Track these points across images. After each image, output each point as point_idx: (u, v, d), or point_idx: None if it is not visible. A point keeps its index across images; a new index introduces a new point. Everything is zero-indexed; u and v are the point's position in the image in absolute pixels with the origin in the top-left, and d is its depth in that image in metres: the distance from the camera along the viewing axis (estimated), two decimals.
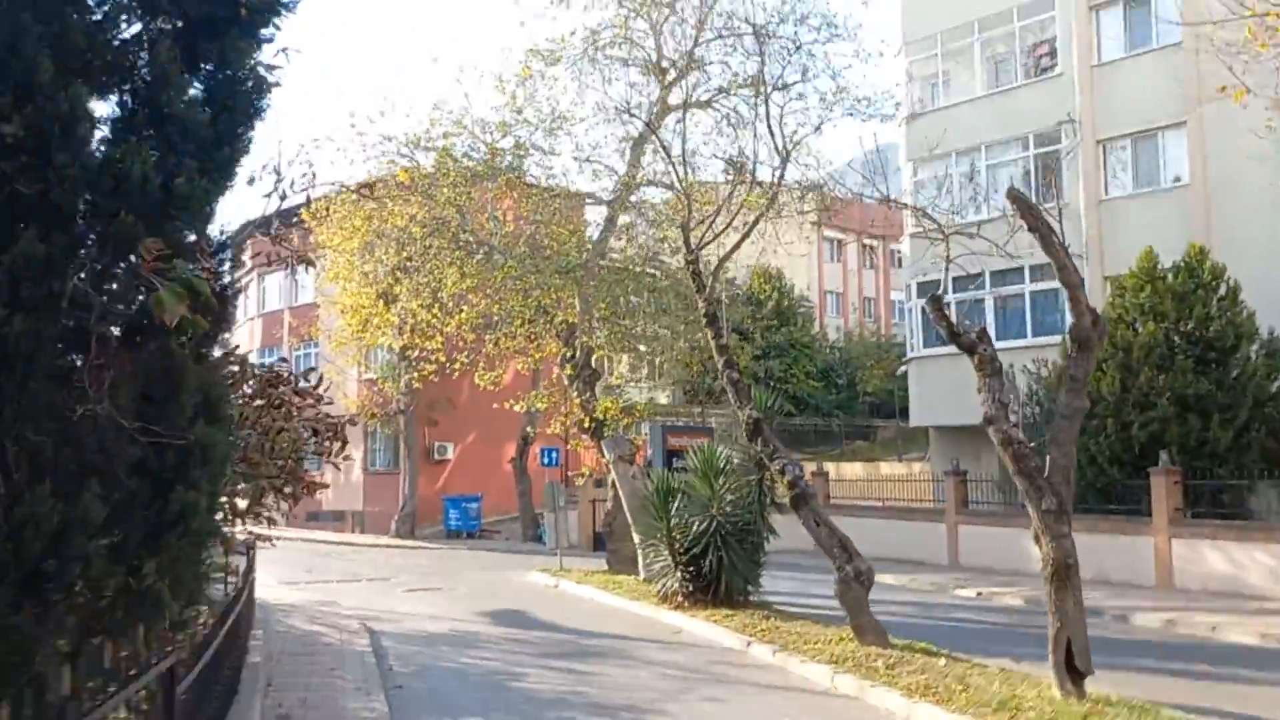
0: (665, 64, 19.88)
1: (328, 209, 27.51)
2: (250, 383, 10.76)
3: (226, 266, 5.48)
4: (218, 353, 6.22)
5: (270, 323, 40.05)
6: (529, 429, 28.11)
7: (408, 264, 24.53)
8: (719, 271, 13.04)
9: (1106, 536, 17.27)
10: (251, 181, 7.74)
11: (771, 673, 10.73)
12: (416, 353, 25.11)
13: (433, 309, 22.27)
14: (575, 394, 21.22)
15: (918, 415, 24.65)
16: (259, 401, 9.17)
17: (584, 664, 11.55)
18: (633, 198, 21.59)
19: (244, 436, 7.55)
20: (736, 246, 13.27)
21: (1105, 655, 9.87)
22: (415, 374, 26.52)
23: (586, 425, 20.69)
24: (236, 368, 8.21)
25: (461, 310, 20.87)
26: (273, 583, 21.65)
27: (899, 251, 59.49)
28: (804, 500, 11.23)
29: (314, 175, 8.26)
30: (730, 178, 15.04)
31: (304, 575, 23.52)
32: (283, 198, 8.22)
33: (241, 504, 9.29)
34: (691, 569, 14.64)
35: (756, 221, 12.96)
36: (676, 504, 15.05)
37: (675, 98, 19.85)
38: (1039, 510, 8.12)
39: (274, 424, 7.60)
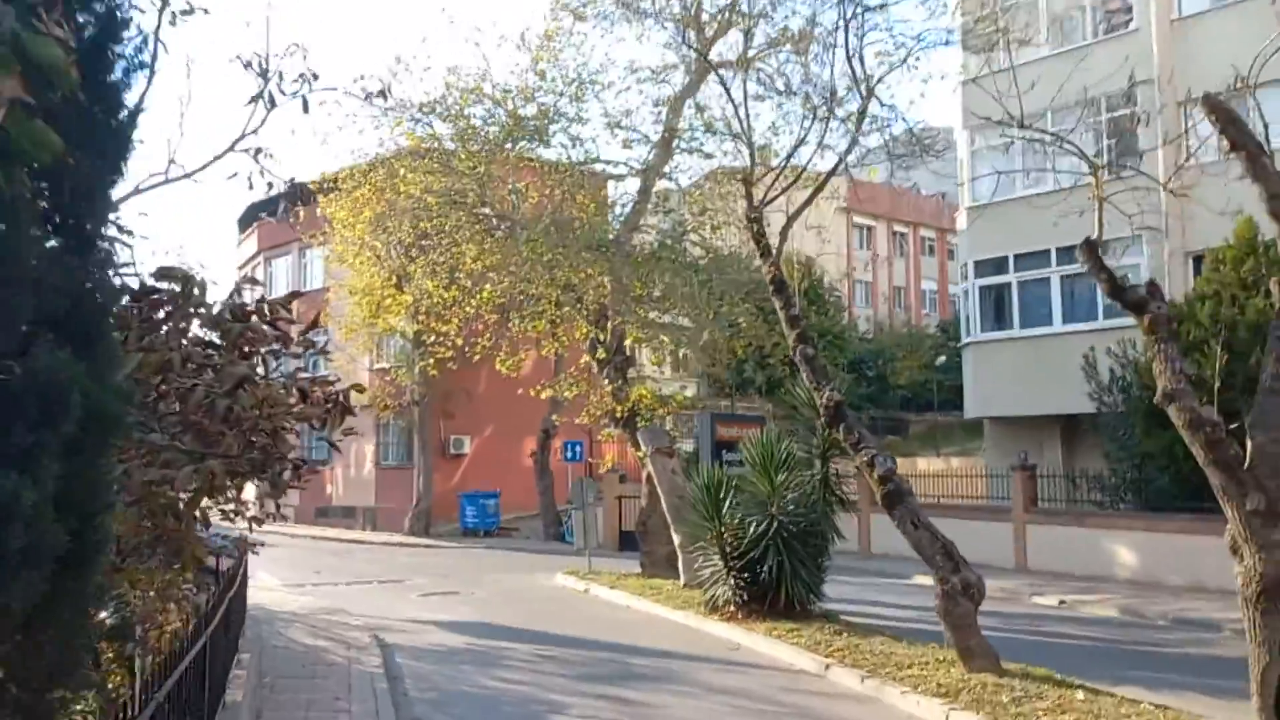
0: (705, 17, 18.05)
1: (335, 182, 25.91)
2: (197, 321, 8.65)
3: (124, 49, 2.91)
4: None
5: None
6: (554, 419, 26.26)
7: (423, 241, 22.83)
8: (788, 231, 11.21)
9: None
10: (245, 65, 5.94)
11: (867, 706, 8.91)
12: (432, 338, 23.33)
13: (450, 289, 20.51)
14: (605, 381, 19.45)
15: (973, 405, 22.81)
16: (209, 336, 6.59)
17: (634, 690, 9.76)
18: (667, 167, 19.81)
19: (179, 385, 5.48)
20: (809, 201, 11.44)
21: None
22: (430, 361, 24.74)
23: (618, 415, 18.92)
24: (169, 285, 5.74)
25: (482, 289, 19.08)
26: (276, 585, 19.97)
27: (929, 239, 57.68)
28: (899, 498, 9.41)
29: (312, 76, 6.43)
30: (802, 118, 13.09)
31: (311, 577, 21.81)
32: (271, 104, 6.41)
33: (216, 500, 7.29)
34: (746, 575, 12.84)
35: (833, 171, 11.16)
36: (728, 502, 13.25)
37: (716, 53, 18.01)
38: (1240, 511, 6.26)
39: (233, 371, 5.40)
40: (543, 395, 20.22)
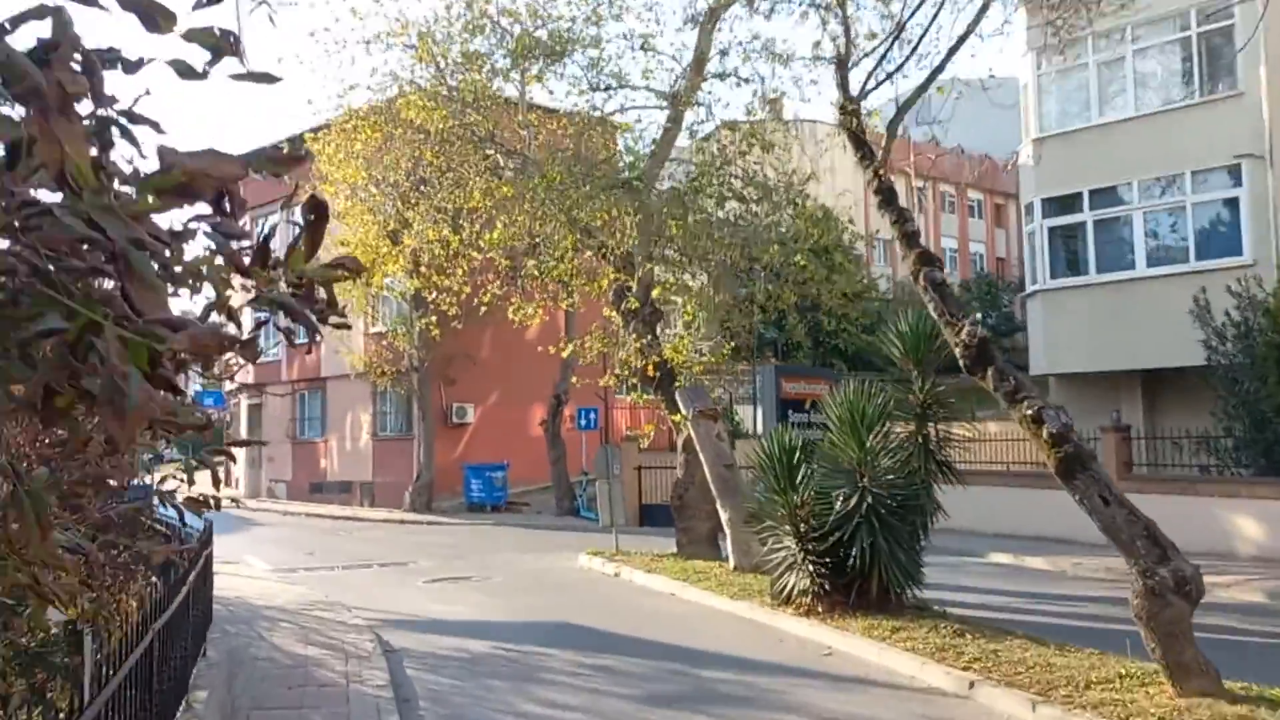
0: None
1: (326, 127, 23.40)
2: None
3: None
4: None
5: None
6: (572, 380, 23.67)
7: (421, 186, 20.36)
8: (896, 126, 8.80)
9: None
10: None
11: None
12: (433, 294, 20.91)
13: (455, 234, 18.07)
14: (633, 336, 17.07)
15: (1040, 361, 20.44)
16: None
17: None
18: (701, 95, 17.36)
19: None
20: (926, 86, 9.02)
21: None
22: (431, 320, 22.33)
23: (651, 374, 16.54)
24: None
25: (492, 231, 16.63)
26: (264, 571, 17.69)
27: (950, 195, 55.18)
28: (1080, 464, 7.09)
29: None
30: None
31: (304, 560, 19.53)
32: None
33: None
34: (828, 559, 10.51)
35: (957, 46, 8.73)
36: (803, 470, 10.90)
37: None
38: None
39: None
40: (563, 353, 17.77)
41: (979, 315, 8.15)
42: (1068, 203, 19.82)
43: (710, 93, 17.54)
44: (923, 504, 10.57)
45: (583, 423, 26.91)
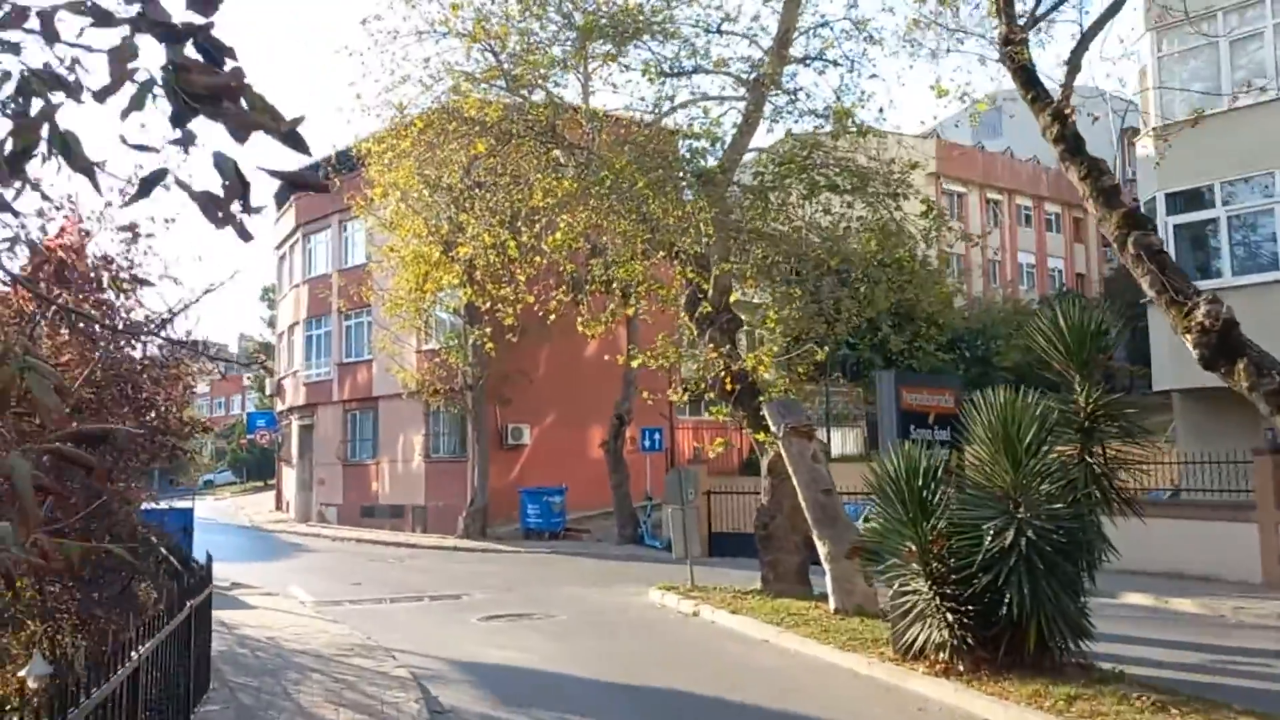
0: None
1: (376, 140, 21.95)
2: None
3: None
4: None
5: (317, 289, 34.69)
6: (643, 394, 21.74)
7: (476, 188, 18.79)
8: (1080, 57, 6.92)
9: None
10: None
11: None
12: (487, 306, 19.27)
13: (515, 237, 16.46)
14: (709, 346, 15.28)
15: (1165, 375, 18.21)
16: None
17: None
18: (786, 78, 15.62)
19: None
20: (1115, 9, 7.14)
21: None
22: (486, 332, 20.72)
23: (729, 388, 14.72)
24: None
25: (553, 233, 14.95)
26: (306, 602, 16.11)
27: (1026, 207, 52.67)
28: None
29: None
30: None
31: (349, 590, 17.93)
32: None
33: None
34: (971, 607, 8.55)
35: None
36: (936, 496, 8.98)
37: None
38: None
39: None
40: (632, 363, 15.96)
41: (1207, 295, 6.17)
42: (1195, 197, 17.66)
43: (795, 75, 15.94)
44: (1090, 540, 8.58)
45: (647, 444, 25.12)
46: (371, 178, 25.09)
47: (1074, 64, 6.94)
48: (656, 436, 24.96)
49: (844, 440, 31.16)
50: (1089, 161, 6.61)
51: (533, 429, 29.39)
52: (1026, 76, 7.04)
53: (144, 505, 19.23)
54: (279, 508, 40.38)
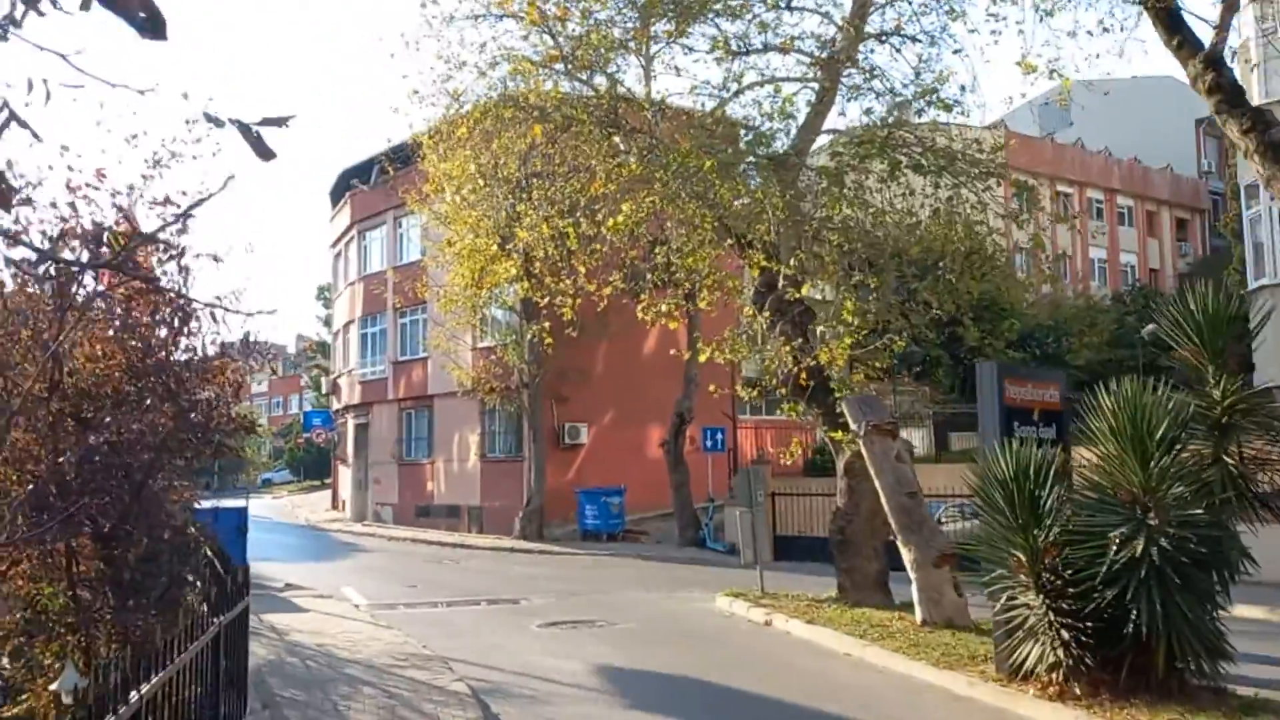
0: None
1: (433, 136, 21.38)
2: None
3: None
4: None
5: (372, 286, 34.38)
6: (709, 388, 20.78)
7: (534, 177, 18.14)
8: None
9: None
10: None
11: None
12: (545, 300, 18.59)
13: (575, 225, 15.76)
14: (780, 339, 14.45)
15: (1271, 369, 16.97)
16: None
17: None
18: (861, 55, 14.76)
19: None
20: None
21: None
22: (544, 327, 20.04)
23: (803, 383, 13.87)
24: None
25: (615, 217, 14.21)
26: (361, 605, 15.57)
27: (1098, 201, 50.87)
28: None
29: None
30: None
31: (405, 593, 17.38)
32: None
33: None
34: (1090, 623, 7.63)
35: None
36: (1049, 499, 8.07)
37: None
38: None
39: None
40: (700, 357, 15.14)
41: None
42: None
43: (872, 52, 15.00)
44: (1226, 551, 7.61)
45: (709, 444, 24.33)
46: (426, 170, 24.65)
47: (1230, 3, 6.03)
48: (719, 436, 24.17)
49: (911, 440, 30.06)
50: (1252, 113, 5.70)
51: (590, 428, 28.72)
52: (1171, 19, 6.13)
53: (196, 504, 18.92)
54: (335, 507, 40.22)
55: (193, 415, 8.08)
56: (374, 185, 34.70)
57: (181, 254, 7.65)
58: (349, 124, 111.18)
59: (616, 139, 15.33)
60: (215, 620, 5.36)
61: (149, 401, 7.79)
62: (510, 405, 27.87)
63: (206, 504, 22.26)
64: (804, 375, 13.90)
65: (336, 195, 39.33)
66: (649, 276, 15.30)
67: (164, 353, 8.54)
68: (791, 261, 14.73)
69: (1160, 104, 49.39)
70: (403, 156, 28.94)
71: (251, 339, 9.52)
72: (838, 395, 13.43)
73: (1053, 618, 7.89)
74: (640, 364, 29.74)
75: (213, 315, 9.20)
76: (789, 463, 19.29)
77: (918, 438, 31.83)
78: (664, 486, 26.90)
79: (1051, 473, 8.06)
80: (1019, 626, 8.24)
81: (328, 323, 48.00)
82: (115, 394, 7.97)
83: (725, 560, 21.82)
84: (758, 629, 13.03)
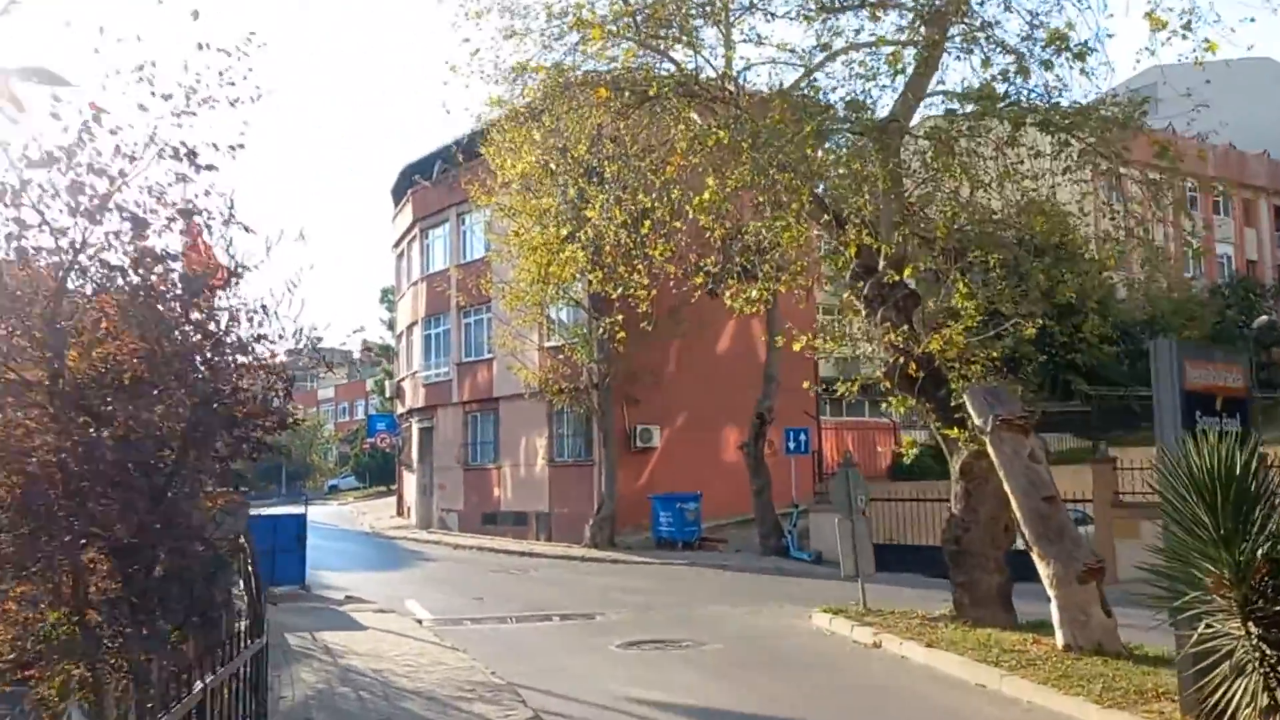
0: None
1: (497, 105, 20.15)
2: None
3: None
4: None
5: (435, 284, 33.40)
6: (802, 383, 19.18)
7: (606, 159, 16.83)
8: None
9: None
10: None
11: None
12: (618, 291, 17.20)
13: (653, 205, 14.43)
14: (885, 326, 12.93)
15: None
16: None
17: None
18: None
19: None
20: None
21: None
22: (615, 322, 18.71)
23: (912, 373, 12.33)
24: None
25: (702, 192, 12.82)
26: (424, 620, 14.42)
27: (1189, 188, 48.20)
28: None
29: None
30: None
31: (471, 606, 16.19)
32: None
33: None
34: None
35: None
36: (1260, 509, 6.48)
37: None
38: None
39: None
40: (795, 346, 13.65)
41: None
42: None
43: (981, 4, 13.33)
44: None
45: (791, 446, 22.81)
46: (490, 159, 23.50)
47: None
48: (802, 437, 22.63)
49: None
50: None
51: (662, 430, 27.32)
52: None
53: (252, 512, 17.92)
54: (400, 513, 39.40)
55: (216, 405, 6.87)
56: (436, 181, 33.79)
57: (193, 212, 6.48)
58: (410, 116, 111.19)
59: (693, 114, 13.98)
60: (211, 675, 4.03)
61: (164, 388, 6.59)
62: (579, 407, 26.60)
63: (265, 511, 21.47)
64: (913, 366, 12.36)
65: (398, 193, 38.56)
66: (736, 259, 13.85)
67: (191, 330, 7.37)
68: (896, 239, 13.26)
69: (1257, 88, 46.64)
70: (466, 148, 27.94)
71: (305, 331, 8.32)
72: (954, 387, 11.87)
73: (1266, 650, 6.31)
74: (714, 363, 28.31)
75: (263, 309, 8.07)
76: (909, 459, 17.60)
77: None
78: (741, 492, 25.42)
79: (1265, 473, 6.46)
80: (1216, 659, 6.65)
81: (391, 326, 47.35)
82: (133, 381, 6.80)
83: (812, 570, 20.28)
84: (866, 652, 11.51)
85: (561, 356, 26.68)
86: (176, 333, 7.30)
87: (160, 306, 7.10)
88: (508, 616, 14.99)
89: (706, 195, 12.67)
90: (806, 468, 24.06)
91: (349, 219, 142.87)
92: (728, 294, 13.94)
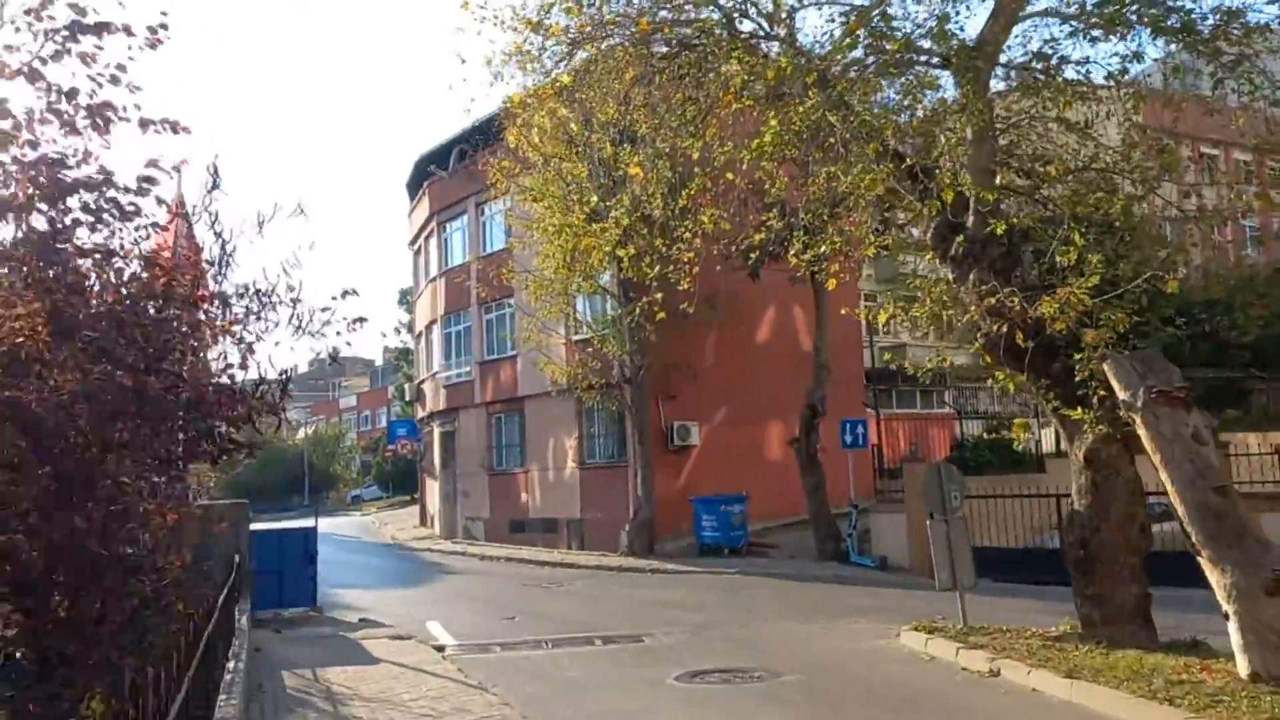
0: None
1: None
2: None
3: None
4: None
5: (455, 279, 31.48)
6: (893, 361, 17.15)
7: (637, 120, 14.81)
8: None
9: None
10: None
11: None
12: (653, 270, 15.10)
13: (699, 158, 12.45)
14: (981, 289, 10.86)
15: None
16: None
17: None
18: None
19: None
20: None
21: None
22: (653, 302, 16.64)
23: (1020, 341, 10.24)
24: None
25: (762, 136, 10.76)
26: (447, 646, 12.47)
27: (1245, 162, 45.69)
28: None
29: None
30: None
31: (502, 628, 14.21)
32: None
33: None
34: None
35: None
36: None
37: None
38: None
39: None
40: (881, 317, 11.53)
41: None
42: None
43: None
44: None
45: (847, 439, 20.70)
46: (512, 135, 21.64)
47: None
48: (859, 430, 20.53)
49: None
50: None
51: (701, 427, 25.27)
52: None
53: (252, 526, 15.95)
54: (423, 523, 37.53)
55: (147, 378, 4.90)
56: (453, 171, 31.94)
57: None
58: (423, 106, 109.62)
59: (733, 64, 11.94)
60: None
61: (63, 358, 4.63)
62: (611, 404, 24.58)
63: (264, 525, 19.55)
64: (1019, 334, 10.27)
65: (414, 187, 36.73)
66: (801, 214, 11.77)
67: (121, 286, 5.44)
68: (998, 181, 11.20)
69: None
70: (484, 129, 26.05)
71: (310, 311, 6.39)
72: (1079, 358, 9.76)
73: None
74: (754, 353, 26.29)
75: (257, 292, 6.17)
76: (1022, 440, 15.45)
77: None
78: (788, 491, 23.39)
79: None
80: None
81: (410, 328, 45.51)
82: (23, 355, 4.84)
83: (877, 578, 18.18)
84: (983, 684, 9.42)
85: (590, 350, 24.69)
86: (100, 285, 5.36)
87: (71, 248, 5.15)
88: (542, 640, 12.97)
89: (768, 137, 10.63)
90: (864, 463, 21.94)
91: (367, 223, 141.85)
92: (791, 252, 11.87)
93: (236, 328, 6.11)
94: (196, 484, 12.09)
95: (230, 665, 8.01)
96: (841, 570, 19.36)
